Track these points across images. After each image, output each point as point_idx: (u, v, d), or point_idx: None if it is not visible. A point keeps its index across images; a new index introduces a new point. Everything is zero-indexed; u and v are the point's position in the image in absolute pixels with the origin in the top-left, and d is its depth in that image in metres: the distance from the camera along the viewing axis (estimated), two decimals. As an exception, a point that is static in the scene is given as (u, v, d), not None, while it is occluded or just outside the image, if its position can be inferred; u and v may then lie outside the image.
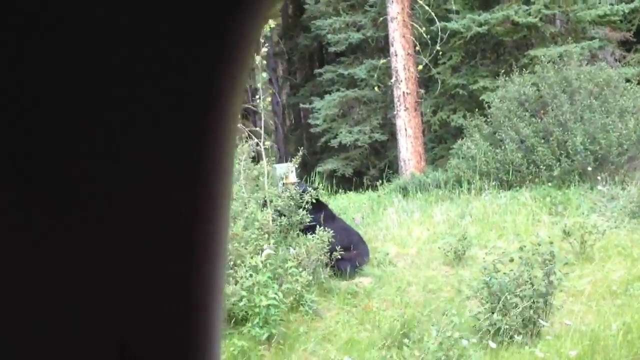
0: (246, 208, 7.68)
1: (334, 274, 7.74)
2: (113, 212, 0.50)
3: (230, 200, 0.59)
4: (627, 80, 11.69)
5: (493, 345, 5.17)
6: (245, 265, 6.55)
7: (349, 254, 7.88)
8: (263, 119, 8.81)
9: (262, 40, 8.48)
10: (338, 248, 7.48)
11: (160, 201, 0.51)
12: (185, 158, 0.51)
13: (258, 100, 8.34)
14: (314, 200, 8.03)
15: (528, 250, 5.77)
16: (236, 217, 7.32)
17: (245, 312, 6.28)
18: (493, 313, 5.50)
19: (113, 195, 0.49)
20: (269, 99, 8.85)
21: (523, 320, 5.46)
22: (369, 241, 8.47)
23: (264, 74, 9.49)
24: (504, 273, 5.70)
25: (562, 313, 6.01)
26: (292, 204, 7.98)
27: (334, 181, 15.16)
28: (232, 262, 6.71)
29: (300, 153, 8.57)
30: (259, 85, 8.52)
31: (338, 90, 17.13)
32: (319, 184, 12.70)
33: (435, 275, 7.81)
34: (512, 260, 5.83)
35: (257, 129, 8.84)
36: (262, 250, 6.72)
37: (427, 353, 4.84)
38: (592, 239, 7.62)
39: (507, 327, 5.41)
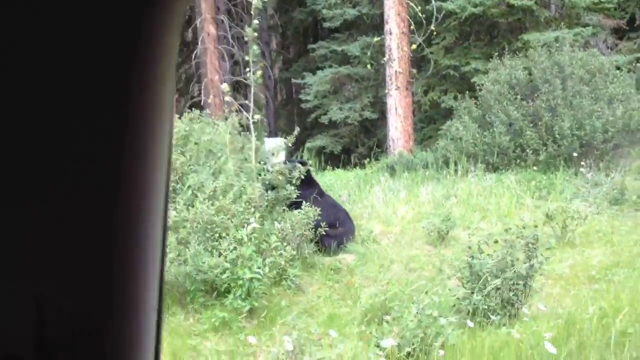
0: (235, 181, 7.70)
1: (318, 249, 7.80)
2: (33, 206, 0.50)
3: (163, 197, 0.59)
4: (618, 68, 11.75)
5: (471, 324, 5.26)
6: (229, 238, 6.59)
7: (334, 230, 7.94)
8: (253, 92, 8.78)
9: (252, 13, 8.43)
10: (323, 224, 7.53)
11: (79, 196, 0.51)
12: (104, 156, 0.51)
13: (248, 73, 8.31)
14: (303, 177, 8.05)
15: (513, 232, 5.84)
16: (226, 190, 7.35)
17: (228, 284, 6.33)
18: (473, 293, 5.58)
19: (33, 189, 0.50)
20: (260, 72, 8.81)
21: (502, 302, 5.55)
22: (354, 218, 8.53)
23: (255, 47, 9.44)
24: (488, 254, 5.77)
25: (540, 296, 6.11)
26: (281, 178, 8.01)
27: (323, 157, 15.20)
28: (217, 235, 6.75)
29: (295, 133, 8.55)
30: (248, 58, 8.49)
31: (331, 66, 17.08)
32: (308, 159, 12.74)
33: (418, 254, 7.89)
34: (496, 241, 5.90)
35: (247, 102, 8.82)
36: (248, 223, 6.76)
37: (405, 330, 4.91)
38: (574, 224, 7.72)
39: (486, 307, 5.49)
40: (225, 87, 9.27)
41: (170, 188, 0.60)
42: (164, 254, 0.61)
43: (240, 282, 6.27)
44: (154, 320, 0.61)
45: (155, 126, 0.56)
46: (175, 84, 0.62)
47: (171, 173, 0.62)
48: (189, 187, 7.35)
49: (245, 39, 13.13)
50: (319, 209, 7.55)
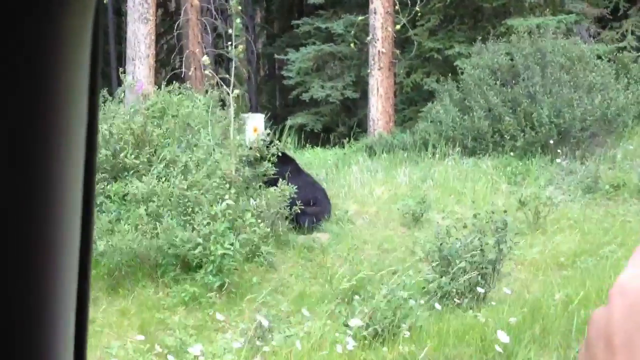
0: (210, 156, 7.66)
1: (293, 227, 7.80)
2: None
3: (79, 197, 0.57)
4: (599, 57, 11.80)
5: (438, 307, 5.31)
6: (203, 213, 6.56)
7: (310, 208, 7.93)
8: (234, 66, 8.70)
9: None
10: (299, 203, 7.52)
11: None
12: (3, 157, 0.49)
13: (230, 47, 8.22)
14: (279, 154, 8.02)
15: (482, 217, 5.88)
16: (199, 165, 7.30)
17: (200, 259, 6.32)
18: (442, 276, 5.62)
19: None
20: (242, 46, 8.73)
21: (470, 285, 5.60)
22: (330, 198, 8.53)
23: (238, 20, 9.34)
24: (457, 238, 5.81)
25: (509, 280, 6.17)
26: (258, 155, 7.98)
27: (303, 135, 15.15)
28: (190, 209, 6.72)
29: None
30: (231, 31, 8.40)
31: (314, 43, 16.95)
32: (287, 137, 12.69)
33: (392, 235, 7.93)
34: (465, 226, 5.94)
35: (228, 76, 8.74)
36: (223, 199, 6.73)
37: (374, 311, 4.94)
38: (546, 210, 7.80)
39: (454, 290, 5.54)
40: (205, 59, 9.17)
41: (95, 188, 0.58)
42: (86, 255, 0.59)
43: (212, 257, 6.26)
44: (72, 322, 0.59)
45: (60, 125, 0.53)
46: (94, 78, 0.59)
47: (95, 172, 0.59)
48: (161, 159, 7.29)
49: (229, 11, 12.99)
50: (296, 186, 7.53)
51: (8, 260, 0.51)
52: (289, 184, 7.50)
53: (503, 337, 4.16)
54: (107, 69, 18.76)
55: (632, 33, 14.95)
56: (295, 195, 7.48)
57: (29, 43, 0.49)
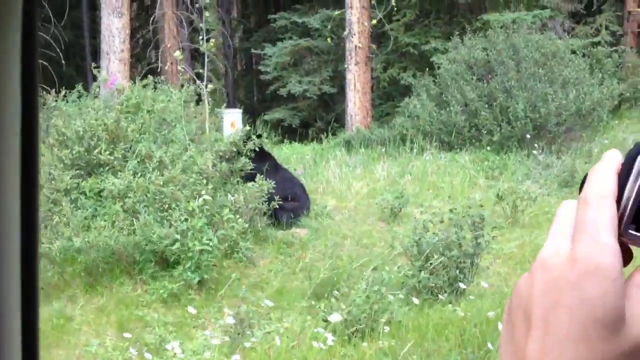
0: (186, 151, 7.59)
1: (272, 223, 7.77)
2: None
3: (17, 197, 0.54)
4: (573, 52, 11.91)
5: (416, 301, 5.31)
6: (180, 209, 6.50)
7: (288, 204, 7.91)
8: (207, 60, 8.63)
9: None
10: (277, 198, 7.49)
11: None
12: None
13: (201, 41, 8.15)
14: (257, 149, 7.98)
15: (459, 212, 5.90)
16: (174, 160, 7.23)
17: (178, 255, 6.26)
18: (421, 271, 5.63)
19: None
20: (214, 40, 8.66)
21: (449, 279, 5.62)
22: (309, 193, 8.51)
23: (207, 14, 9.25)
24: (434, 233, 5.83)
25: (487, 274, 6.21)
26: (235, 150, 7.92)
27: (281, 131, 15.11)
28: (167, 205, 6.65)
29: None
30: (202, 25, 8.34)
31: (291, 38, 16.89)
32: (264, 132, 12.63)
33: (371, 230, 7.94)
34: (442, 221, 5.96)
35: (202, 71, 8.67)
36: (200, 195, 6.67)
37: (353, 306, 4.93)
38: (524, 204, 7.86)
39: (433, 285, 5.56)
40: (178, 54, 9.10)
41: (38, 190, 0.55)
42: (30, 254, 0.56)
43: (190, 254, 6.21)
44: (17, 323, 0.56)
45: None
46: (30, 80, 0.56)
47: (37, 171, 0.56)
48: (136, 155, 7.21)
49: (202, 3, 12.85)
50: (274, 182, 7.50)
51: None
52: (267, 179, 7.47)
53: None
54: (82, 63, 18.52)
55: (606, 28, 15.12)
56: (274, 191, 7.45)
57: None
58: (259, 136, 8.50)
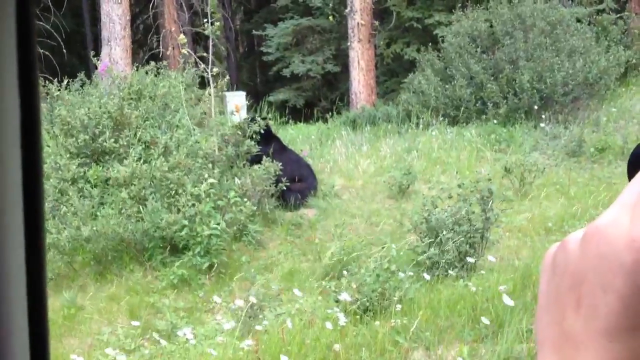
0: (191, 136, 7.55)
1: (280, 205, 7.75)
2: None
3: (19, 192, 0.54)
4: (579, 20, 11.73)
5: (427, 277, 5.29)
6: (187, 194, 6.48)
7: (295, 185, 7.88)
8: (212, 43, 8.55)
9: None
10: (284, 179, 7.47)
11: None
12: None
13: (205, 24, 8.07)
14: (262, 131, 7.93)
15: (467, 187, 5.85)
16: (180, 145, 7.20)
17: (187, 241, 6.26)
18: (430, 247, 5.60)
19: None
20: (218, 23, 8.57)
21: (459, 254, 5.59)
22: (315, 173, 8.48)
23: (212, -3, 9.15)
24: (443, 209, 5.78)
25: (497, 248, 6.18)
26: (240, 133, 7.88)
27: (285, 112, 15.04)
28: (173, 191, 6.64)
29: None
30: (207, 9, 8.25)
31: (292, 17, 16.76)
32: (268, 113, 12.58)
33: (379, 208, 7.90)
34: (450, 196, 5.91)
35: (205, 54, 8.59)
36: (205, 179, 6.64)
37: (364, 285, 4.91)
38: (532, 176, 7.80)
39: (443, 261, 5.53)
40: (182, 38, 9.00)
41: (42, 187, 0.54)
42: (36, 250, 0.56)
43: (199, 238, 6.20)
44: (23, 320, 0.56)
45: None
46: (29, 75, 0.54)
47: (41, 171, 0.55)
48: (141, 142, 7.19)
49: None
50: (281, 163, 7.47)
51: None
52: (274, 161, 7.43)
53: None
54: (83, 52, 18.44)
55: (611, -6, 14.87)
56: (281, 173, 7.42)
57: None
58: (264, 119, 8.46)
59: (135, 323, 5.14)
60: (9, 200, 0.53)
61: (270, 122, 9.39)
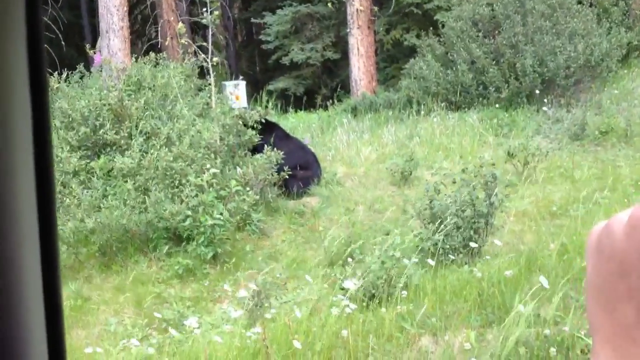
0: (192, 126, 7.53)
1: (282, 193, 7.74)
2: None
3: (33, 194, 0.53)
4: (579, 2, 11.65)
5: (432, 263, 5.27)
6: (190, 185, 6.47)
7: (299, 172, 7.86)
8: (211, 33, 8.50)
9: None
10: (286, 169, 7.44)
11: None
12: None
13: (203, 13, 8.03)
14: (263, 120, 7.90)
15: (470, 172, 5.83)
16: (182, 136, 7.18)
17: (191, 231, 6.26)
18: (434, 233, 5.59)
19: None
20: (217, 12, 8.52)
21: (463, 240, 5.57)
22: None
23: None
24: (446, 194, 5.76)
25: (502, 233, 6.16)
26: (240, 122, 7.85)
27: (285, 100, 14.99)
28: (177, 182, 6.63)
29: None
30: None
31: (291, 5, 16.66)
32: (268, 102, 12.54)
33: (382, 195, 7.89)
34: (454, 182, 5.89)
35: (205, 44, 8.55)
36: (208, 169, 6.63)
37: (368, 272, 4.91)
38: (535, 160, 7.77)
39: (448, 247, 5.52)
40: (181, 27, 8.97)
41: (52, 183, 0.54)
42: (50, 250, 0.57)
43: (203, 228, 6.20)
44: (40, 318, 0.57)
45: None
46: (38, 70, 0.54)
47: (52, 167, 0.55)
48: (142, 133, 7.17)
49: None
50: (283, 152, 7.44)
51: None
52: (276, 149, 7.41)
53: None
54: (82, 43, 18.35)
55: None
56: (283, 161, 7.40)
57: None
58: (266, 107, 8.43)
59: (144, 312, 5.15)
60: (23, 196, 0.53)
61: (271, 111, 9.37)
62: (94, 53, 9.44)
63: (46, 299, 0.58)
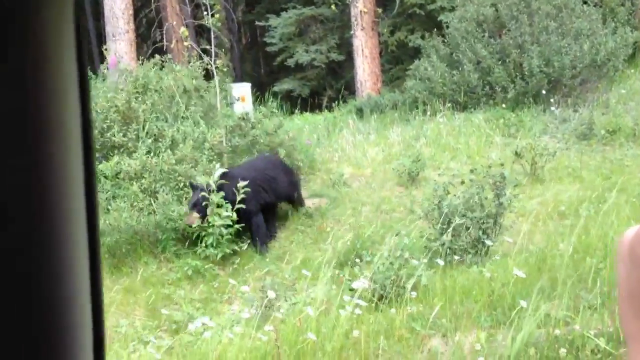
0: (197, 128, 7.54)
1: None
2: None
3: (82, 195, 0.54)
4: (584, 2, 11.64)
5: (441, 263, 5.26)
6: (197, 186, 6.47)
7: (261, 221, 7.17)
8: (213, 35, 8.52)
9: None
10: (257, 206, 6.83)
11: None
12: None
13: (206, 16, 8.05)
14: (223, 173, 6.47)
15: (479, 172, 5.81)
16: (186, 138, 7.20)
17: (199, 232, 6.26)
18: (442, 234, 5.57)
19: None
20: (218, 15, 8.54)
21: (472, 241, 5.56)
22: (324, 162, 8.47)
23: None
24: (454, 195, 5.75)
25: (511, 233, 6.14)
26: (244, 124, 7.85)
27: (291, 102, 14.99)
28: (182, 183, 6.64)
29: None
30: (205, 0, 8.22)
31: (295, 7, 16.68)
32: (273, 104, 12.53)
33: (389, 195, 7.88)
34: (463, 182, 5.88)
35: (209, 47, 8.57)
36: (214, 170, 6.63)
37: (377, 273, 4.90)
38: (543, 160, 7.75)
39: (457, 247, 5.50)
40: (184, 31, 8.99)
41: (95, 185, 0.55)
42: (94, 251, 0.57)
43: (211, 229, 6.20)
44: (88, 316, 0.58)
45: (55, 122, 0.50)
46: (82, 73, 0.55)
47: (94, 169, 0.57)
48: (149, 135, 7.18)
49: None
50: (250, 191, 6.43)
51: (28, 260, 0.49)
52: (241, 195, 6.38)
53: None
54: (87, 46, 18.43)
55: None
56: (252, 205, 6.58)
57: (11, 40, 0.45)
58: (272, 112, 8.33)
59: (151, 315, 5.15)
60: (74, 200, 0.54)
61: (276, 112, 9.33)
62: (108, 56, 9.48)
63: (92, 299, 0.59)
